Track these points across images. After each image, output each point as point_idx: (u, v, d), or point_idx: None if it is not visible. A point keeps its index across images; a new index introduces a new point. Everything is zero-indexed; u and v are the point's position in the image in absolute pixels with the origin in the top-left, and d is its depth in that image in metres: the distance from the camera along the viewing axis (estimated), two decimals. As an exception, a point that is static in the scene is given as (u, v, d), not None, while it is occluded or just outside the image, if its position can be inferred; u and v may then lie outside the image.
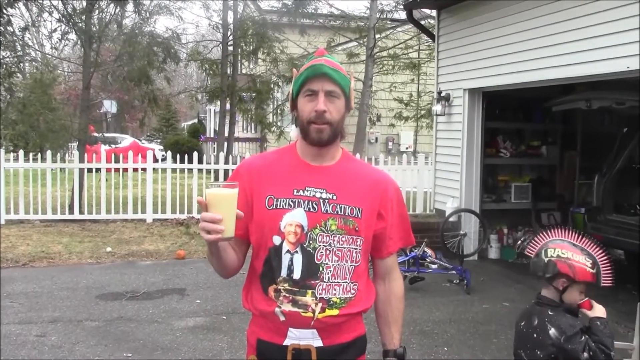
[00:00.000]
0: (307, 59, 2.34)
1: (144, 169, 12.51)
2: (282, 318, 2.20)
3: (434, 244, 9.04)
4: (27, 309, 6.76)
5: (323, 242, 2.21)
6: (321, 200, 2.23)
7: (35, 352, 5.52)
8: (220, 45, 16.48)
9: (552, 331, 2.73)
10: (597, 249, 2.87)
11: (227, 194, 1.99)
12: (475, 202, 9.95)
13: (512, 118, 10.55)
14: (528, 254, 3.00)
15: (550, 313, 2.79)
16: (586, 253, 2.84)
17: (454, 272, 8.20)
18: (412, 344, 5.97)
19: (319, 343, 2.23)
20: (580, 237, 2.90)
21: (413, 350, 5.81)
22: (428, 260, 8.37)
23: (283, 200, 2.23)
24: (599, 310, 2.86)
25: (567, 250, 2.84)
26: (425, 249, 8.26)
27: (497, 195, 10.52)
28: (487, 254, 10.07)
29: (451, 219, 9.63)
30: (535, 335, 2.80)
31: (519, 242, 10.04)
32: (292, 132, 2.80)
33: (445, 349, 5.94)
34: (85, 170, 12.28)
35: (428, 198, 11.90)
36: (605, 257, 2.86)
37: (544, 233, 2.99)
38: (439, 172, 10.91)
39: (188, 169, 12.59)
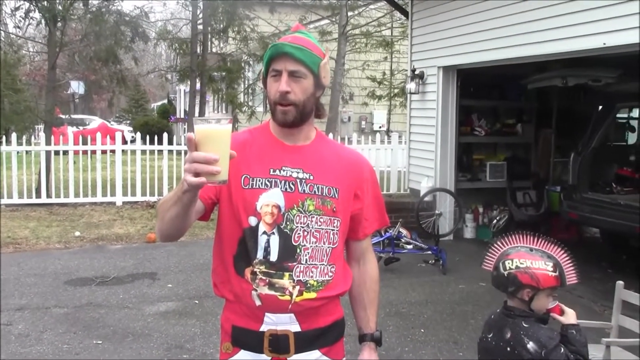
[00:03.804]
0: (284, 35, 2.27)
1: (112, 151, 12.34)
2: (258, 302, 2.14)
3: (409, 224, 9.00)
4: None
5: (300, 223, 2.15)
6: (298, 180, 2.18)
7: (1, 342, 5.39)
8: (190, 23, 16.26)
9: (531, 345, 2.61)
10: (555, 247, 2.78)
11: (222, 130, 1.78)
12: (450, 181, 9.94)
13: (487, 96, 10.52)
14: (485, 267, 2.90)
15: (524, 325, 2.66)
16: (546, 256, 2.72)
17: (429, 252, 8.19)
18: (389, 325, 5.95)
19: (296, 328, 2.18)
20: (535, 239, 2.81)
21: (389, 332, 5.78)
22: (403, 240, 8.34)
23: (259, 180, 2.16)
24: (571, 316, 2.74)
25: (524, 258, 2.72)
26: (400, 229, 8.23)
27: (472, 174, 10.52)
28: (462, 233, 10.08)
29: (426, 199, 9.62)
30: (509, 349, 2.67)
31: (495, 221, 10.08)
32: None
33: (422, 330, 5.93)
34: (52, 153, 12.03)
35: (402, 177, 11.90)
36: (565, 255, 2.76)
37: (498, 244, 2.88)
38: (413, 151, 10.88)
39: (158, 151, 12.43)
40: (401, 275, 7.72)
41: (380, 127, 21.86)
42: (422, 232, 9.03)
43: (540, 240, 2.77)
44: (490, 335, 2.81)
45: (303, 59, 2.14)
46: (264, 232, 2.14)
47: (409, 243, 8.34)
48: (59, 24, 13.10)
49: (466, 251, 9.15)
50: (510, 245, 2.82)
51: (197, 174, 1.75)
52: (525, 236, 2.80)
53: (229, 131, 1.80)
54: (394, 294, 6.95)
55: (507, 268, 2.73)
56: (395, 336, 5.72)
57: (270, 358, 2.19)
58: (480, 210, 10.37)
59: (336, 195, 2.21)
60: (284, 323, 2.17)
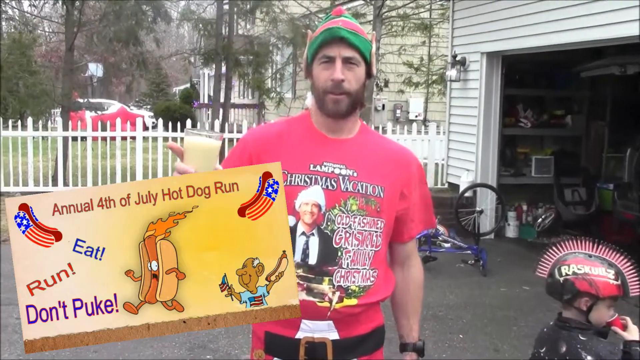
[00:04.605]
0: (323, 20, 2.23)
1: (133, 138, 12.41)
2: None
3: (447, 221, 8.94)
4: (6, 289, 6.68)
5: (342, 224, 2.12)
6: (340, 177, 2.14)
7: (16, 336, 5.47)
8: (215, 3, 16.27)
9: (589, 359, 2.57)
10: (617, 255, 2.71)
11: (206, 144, 1.84)
12: (492, 176, 9.85)
13: (534, 85, 10.38)
14: (539, 274, 2.84)
15: (582, 338, 2.60)
16: (606, 263, 2.65)
17: (468, 251, 8.15)
18: (425, 330, 5.91)
19: (335, 336, 2.16)
20: (596, 245, 2.74)
21: (426, 336, 5.73)
22: (440, 238, 8.32)
23: (298, 176, 2.13)
24: (634, 332, 2.65)
25: (583, 264, 2.66)
26: (438, 227, 8.18)
27: (516, 169, 10.41)
28: (504, 232, 9.99)
29: (466, 194, 9.54)
30: None
31: (539, 220, 9.97)
32: (308, 99, 2.68)
33: (461, 336, 5.90)
34: (70, 139, 12.15)
35: (440, 171, 11.82)
36: (628, 264, 2.69)
37: (553, 249, 2.82)
38: (452, 143, 10.81)
39: (180, 138, 12.45)
40: (438, 276, 7.66)
41: (416, 116, 21.72)
42: (460, 230, 8.96)
43: (600, 246, 2.71)
44: (542, 350, 2.75)
45: (358, 45, 2.10)
46: (303, 233, 2.11)
47: (446, 241, 8.29)
48: (77, 3, 13.20)
49: (508, 252, 9.07)
50: (567, 250, 2.75)
51: None
52: (583, 241, 2.73)
53: (217, 147, 1.84)
54: (431, 295, 6.90)
55: (564, 274, 2.67)
56: (432, 341, 5.68)
57: None
58: (524, 207, 10.26)
59: (381, 195, 2.17)
60: (322, 330, 2.14)
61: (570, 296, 2.65)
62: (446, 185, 11.12)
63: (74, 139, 12.13)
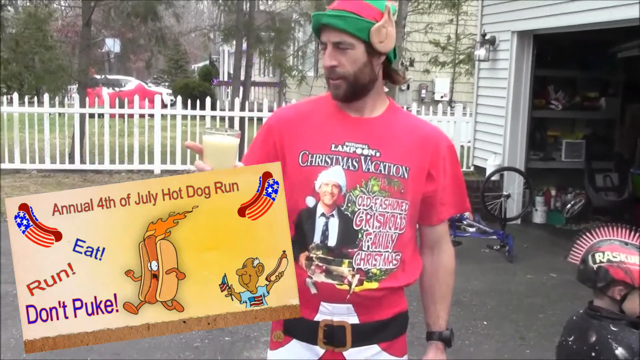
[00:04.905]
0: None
1: (151, 115, 12.46)
2: (313, 290, 2.11)
3: (473, 205, 8.71)
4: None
5: (363, 205, 2.10)
6: (362, 157, 2.12)
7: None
8: (236, -22, 16.21)
9: (620, 351, 2.50)
10: None
11: (224, 143, 1.89)
12: (521, 159, 9.77)
13: (566, 65, 10.21)
14: (572, 260, 2.80)
15: (613, 328, 2.54)
16: None
17: (494, 237, 8.11)
18: (448, 316, 5.89)
19: (354, 320, 2.15)
20: (633, 233, 2.70)
21: (449, 322, 5.72)
22: (465, 223, 8.28)
23: (319, 157, 2.12)
24: None
25: (618, 252, 2.60)
26: (463, 211, 8.14)
27: (545, 153, 10.31)
28: (531, 218, 9.92)
29: (492, 178, 9.49)
30: (594, 354, 2.56)
31: (569, 205, 9.89)
32: None
33: (485, 322, 5.88)
34: (87, 116, 12.22)
35: (466, 153, 11.77)
36: None
37: (588, 235, 2.78)
38: (479, 125, 10.74)
39: (200, 116, 12.50)
40: (462, 261, 7.52)
41: (442, 96, 21.58)
42: (486, 215, 8.91)
43: (636, 234, 2.67)
44: (571, 339, 2.71)
45: (346, 28, 2.06)
46: (323, 214, 2.10)
47: (471, 226, 8.26)
48: (94, -25, 13.21)
49: (535, 238, 9.03)
50: (601, 237, 2.72)
51: None
52: (618, 229, 2.70)
53: (235, 145, 1.90)
54: (455, 280, 6.82)
55: (598, 261, 2.63)
56: (455, 327, 5.57)
57: (324, 351, 2.17)
58: (553, 193, 10.18)
59: (405, 175, 2.15)
60: (341, 314, 2.14)
61: (603, 284, 2.61)
62: (472, 169, 11.06)
63: (91, 115, 12.20)
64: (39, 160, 11.69)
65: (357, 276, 2.10)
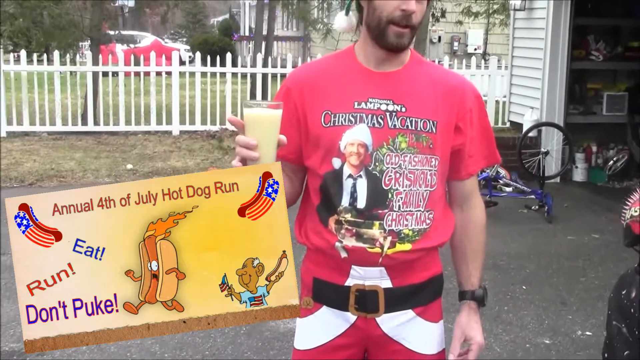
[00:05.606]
0: None
1: (168, 73, 12.49)
2: (343, 254, 2.10)
3: (509, 163, 8.84)
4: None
5: (391, 164, 2.08)
6: (387, 114, 2.09)
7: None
8: None
9: None
10: None
11: (267, 116, 1.90)
12: (559, 114, 9.71)
13: (608, 13, 10.08)
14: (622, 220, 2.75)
15: None
16: None
17: (532, 196, 8.11)
18: (485, 280, 5.79)
19: (387, 284, 2.14)
20: None
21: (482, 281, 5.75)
22: (502, 182, 8.28)
23: (342, 116, 2.09)
24: None
25: None
26: (499, 169, 8.16)
27: (585, 107, 10.22)
28: (571, 175, 9.88)
29: (530, 134, 9.43)
30: (632, 310, 2.57)
31: (611, 162, 9.81)
32: (339, 21, 2.43)
33: (524, 287, 5.88)
34: (100, 74, 12.25)
35: (501, 109, 11.72)
36: None
37: (636, 192, 2.71)
38: (515, 79, 10.68)
39: (220, 73, 12.49)
40: (499, 222, 7.61)
41: (475, 49, 21.46)
42: (524, 173, 8.90)
43: None
44: (623, 292, 2.70)
45: None
46: (350, 176, 2.09)
47: (508, 185, 8.26)
48: None
49: (576, 196, 8.99)
50: None
51: (242, 159, 1.88)
52: None
53: (277, 117, 1.90)
54: (491, 243, 6.80)
55: (627, 217, 2.61)
56: (493, 292, 5.65)
57: (356, 317, 2.17)
58: (594, 149, 10.11)
59: (433, 130, 2.12)
60: (373, 277, 2.13)
61: (628, 241, 2.58)
62: (508, 125, 11.00)
63: (105, 74, 12.22)
64: (50, 122, 11.73)
65: (389, 238, 2.09)
